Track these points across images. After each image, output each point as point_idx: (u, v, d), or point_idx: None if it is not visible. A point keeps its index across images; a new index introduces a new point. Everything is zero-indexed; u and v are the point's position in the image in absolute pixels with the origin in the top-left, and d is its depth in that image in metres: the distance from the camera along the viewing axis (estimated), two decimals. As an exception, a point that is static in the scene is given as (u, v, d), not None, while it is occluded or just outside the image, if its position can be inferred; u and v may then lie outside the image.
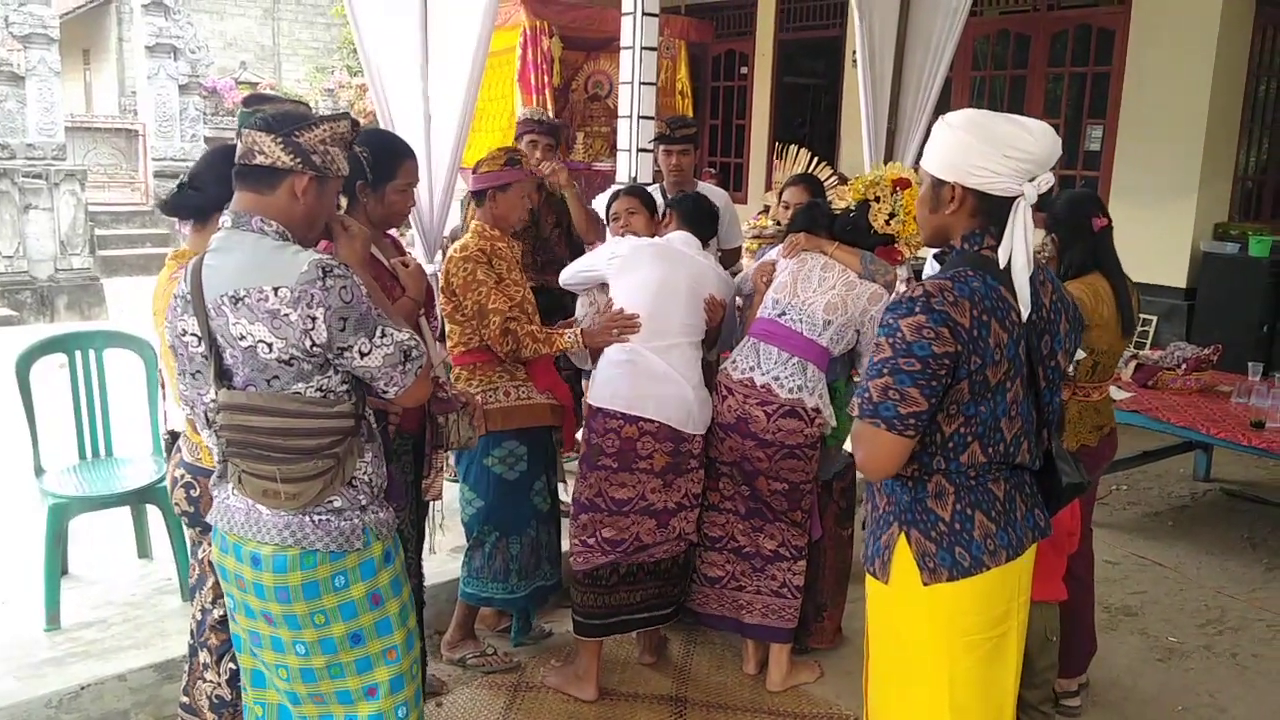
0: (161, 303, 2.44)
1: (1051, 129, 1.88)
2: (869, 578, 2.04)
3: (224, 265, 1.89)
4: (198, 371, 1.95)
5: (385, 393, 1.94)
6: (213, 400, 1.92)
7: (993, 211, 1.88)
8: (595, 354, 3.32)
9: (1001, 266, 1.86)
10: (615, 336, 3.24)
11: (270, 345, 1.84)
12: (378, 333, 1.90)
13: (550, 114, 8.64)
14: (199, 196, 2.41)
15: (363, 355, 1.88)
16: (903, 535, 1.93)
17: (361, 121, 2.26)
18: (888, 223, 3.48)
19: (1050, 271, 2.02)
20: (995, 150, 1.83)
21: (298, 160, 1.91)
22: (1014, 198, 1.86)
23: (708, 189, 4.50)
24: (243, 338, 1.85)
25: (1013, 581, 1.95)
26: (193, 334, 1.92)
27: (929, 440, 1.89)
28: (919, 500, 1.93)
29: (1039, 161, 1.85)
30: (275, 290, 1.82)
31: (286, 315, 1.82)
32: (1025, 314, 1.85)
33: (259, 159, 1.90)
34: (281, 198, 1.93)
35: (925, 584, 1.90)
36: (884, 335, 1.84)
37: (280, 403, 1.87)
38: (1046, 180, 1.87)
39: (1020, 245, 1.83)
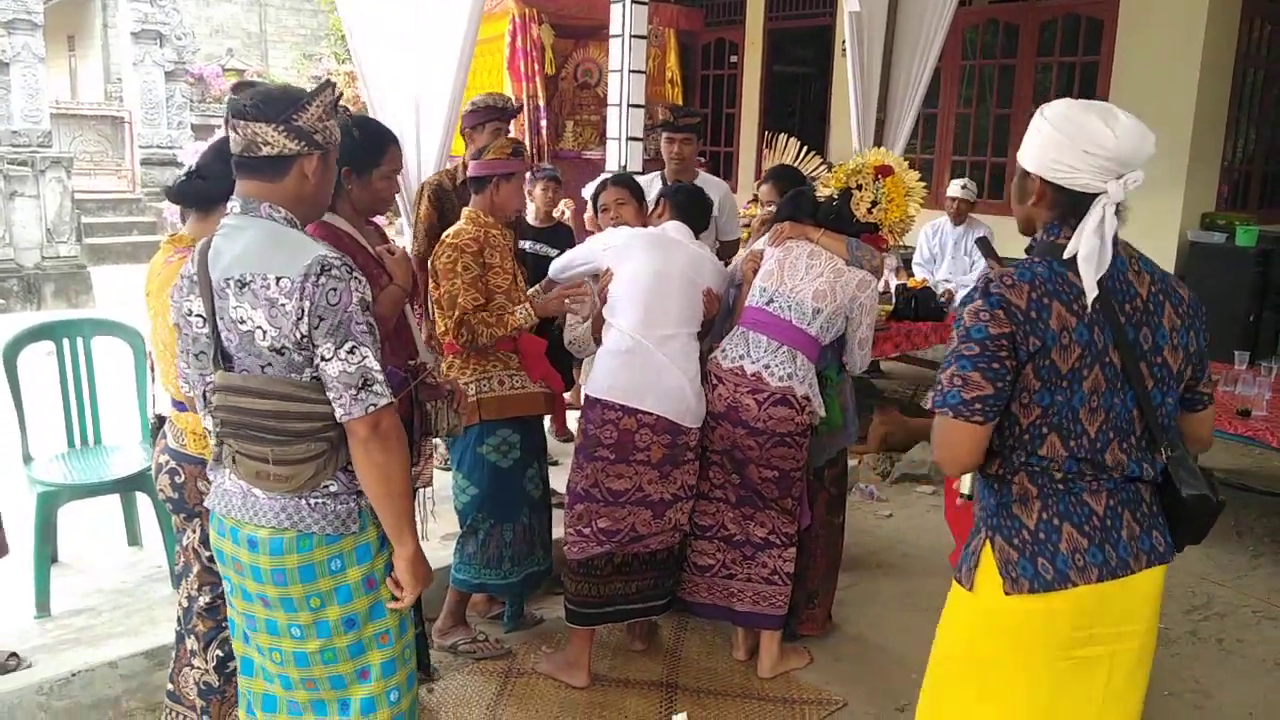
0: (155, 284, 2.43)
1: (1142, 127, 1.79)
2: (954, 585, 1.98)
3: (231, 249, 1.89)
4: (201, 352, 1.96)
5: (335, 411, 1.87)
6: (211, 381, 1.92)
7: (1072, 206, 1.83)
8: (595, 342, 3.31)
9: (1067, 255, 1.80)
10: (566, 306, 3.29)
11: (265, 332, 1.85)
12: (347, 346, 1.84)
13: (541, 100, 8.65)
14: (205, 185, 2.42)
15: (324, 360, 1.84)
16: (988, 542, 1.89)
17: (352, 109, 2.26)
18: (870, 210, 3.49)
19: (1154, 265, 1.92)
20: (1074, 146, 1.79)
21: (303, 144, 1.92)
22: (1096, 194, 1.80)
23: (706, 179, 4.49)
24: (242, 322, 1.86)
25: (1115, 605, 1.85)
26: (198, 314, 1.93)
27: (1008, 433, 1.85)
28: (1004, 505, 1.88)
29: (1122, 161, 1.78)
30: (278, 280, 1.83)
31: (283, 305, 1.82)
32: (1090, 298, 1.77)
33: (265, 150, 1.90)
34: (291, 183, 1.94)
35: (1007, 593, 1.84)
36: (955, 328, 1.85)
37: (274, 386, 1.87)
38: (1135, 179, 1.79)
39: (1090, 240, 1.76)
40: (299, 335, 1.83)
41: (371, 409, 1.86)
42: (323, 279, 1.83)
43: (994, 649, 1.90)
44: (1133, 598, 1.87)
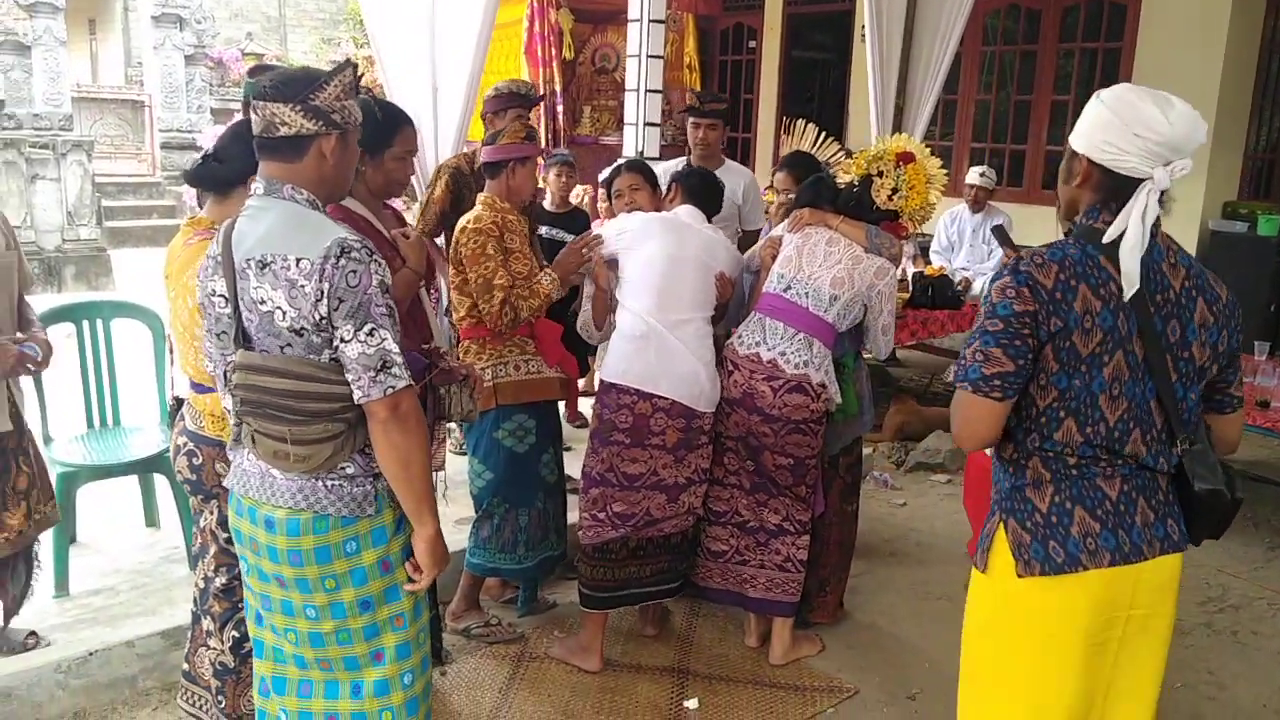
0: (174, 266, 2.45)
1: (1196, 115, 1.78)
2: (973, 569, 1.99)
3: (254, 230, 1.91)
4: (223, 332, 1.98)
5: (354, 393, 1.88)
6: (232, 360, 1.94)
7: (1116, 189, 1.82)
8: (595, 326, 3.31)
9: (1105, 241, 1.79)
10: (585, 256, 3.29)
11: (285, 313, 1.86)
12: (366, 328, 1.85)
13: (558, 85, 8.63)
14: (222, 169, 2.43)
15: (344, 342, 1.85)
16: (1002, 524, 1.90)
17: (373, 91, 2.26)
18: (891, 198, 3.47)
19: (1191, 259, 1.90)
20: (1125, 128, 1.78)
21: (320, 124, 1.93)
22: (1142, 179, 1.79)
23: (733, 167, 4.47)
24: (262, 302, 1.87)
25: (1125, 591, 1.86)
26: (221, 295, 1.95)
27: (1024, 415, 1.85)
28: (1018, 488, 1.89)
29: (1173, 146, 1.77)
30: (298, 261, 1.84)
31: (303, 286, 1.84)
32: (1129, 290, 1.77)
33: (283, 130, 1.91)
34: (310, 163, 1.95)
35: (1019, 575, 1.85)
36: (983, 303, 1.85)
37: (293, 365, 1.88)
38: (1182, 167, 1.78)
39: (1135, 226, 1.75)
40: (318, 317, 1.85)
41: (390, 391, 1.87)
42: (342, 261, 1.84)
43: (1010, 630, 1.91)
44: (1148, 585, 1.87)
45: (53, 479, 3.47)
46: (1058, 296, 1.77)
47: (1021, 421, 1.86)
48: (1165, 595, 1.92)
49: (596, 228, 3.53)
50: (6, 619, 3.09)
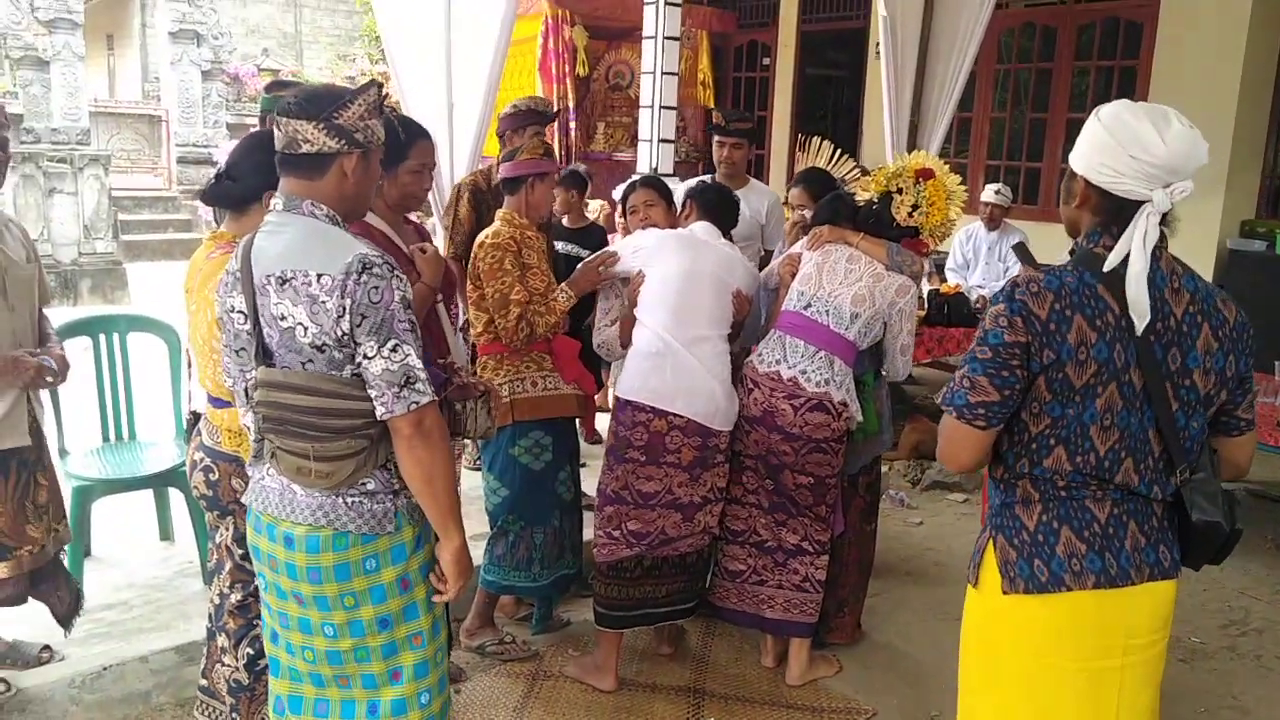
0: (196, 280, 2.45)
1: (1195, 135, 1.74)
2: (968, 583, 1.99)
3: (274, 246, 1.90)
4: (242, 348, 1.97)
5: (377, 409, 1.88)
6: (253, 377, 1.93)
7: (1115, 212, 1.78)
8: (624, 345, 3.30)
9: (1106, 269, 1.75)
10: (603, 273, 3.29)
11: (306, 329, 1.85)
12: (389, 344, 1.85)
13: (571, 101, 8.65)
14: (236, 187, 2.43)
15: (367, 358, 1.85)
16: (991, 540, 1.89)
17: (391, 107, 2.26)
18: (911, 214, 3.44)
19: (1198, 281, 1.83)
20: (1121, 149, 1.74)
21: (342, 143, 1.93)
22: (1142, 202, 1.75)
23: (757, 186, 4.46)
24: (283, 318, 1.87)
25: (1115, 616, 1.83)
26: (240, 311, 1.94)
27: (1016, 439, 1.84)
28: (1008, 505, 1.88)
29: (1170, 169, 1.73)
30: (319, 277, 1.84)
31: (324, 303, 1.83)
32: (1141, 324, 1.73)
33: (305, 147, 1.91)
34: (331, 180, 1.95)
35: (1004, 592, 1.85)
36: (979, 327, 1.83)
37: (316, 382, 1.88)
38: (1183, 189, 1.74)
39: (1138, 253, 1.72)
40: (340, 333, 1.84)
41: (414, 406, 1.87)
42: (364, 277, 1.83)
43: (995, 645, 1.92)
44: (1139, 610, 1.85)
45: (67, 493, 3.48)
46: (1051, 328, 1.74)
47: (1013, 445, 1.85)
48: (1161, 621, 1.89)
49: (614, 243, 3.52)
50: (65, 626, 3.08)
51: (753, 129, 4.44)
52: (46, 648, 3.08)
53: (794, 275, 3.32)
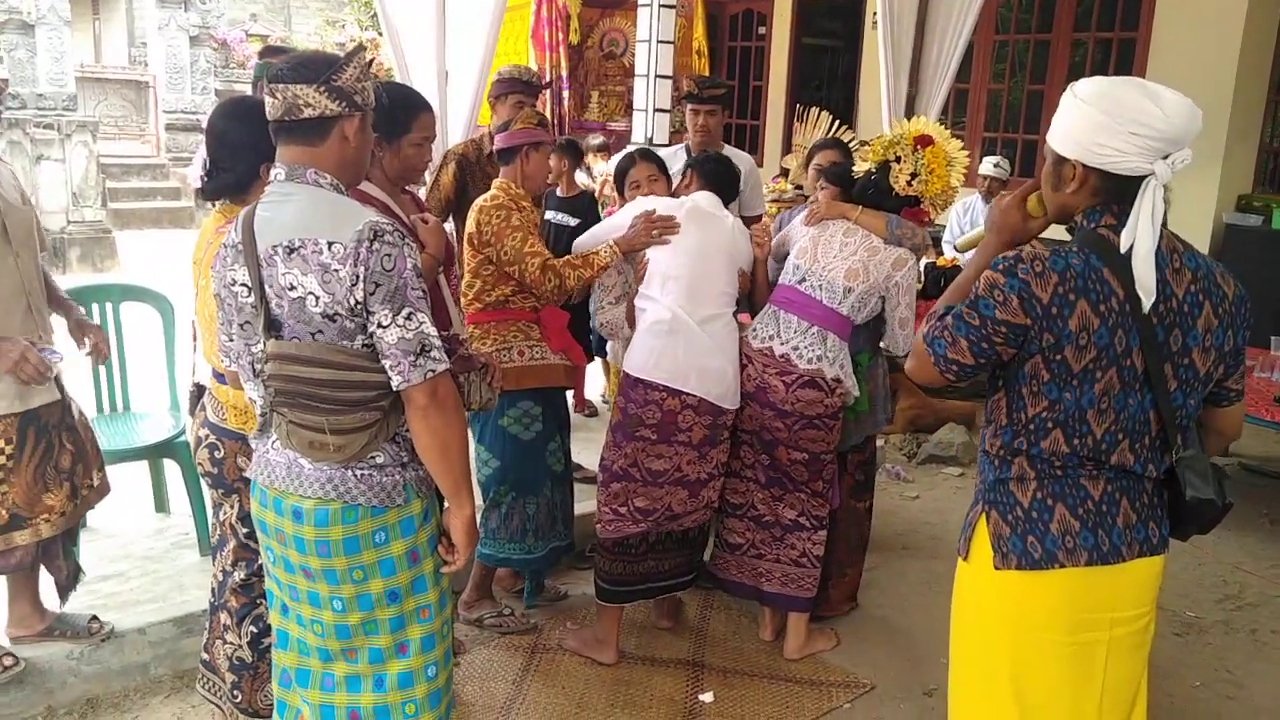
0: (204, 252, 2.41)
1: (1190, 104, 1.71)
2: (958, 555, 1.99)
3: (279, 216, 1.87)
4: (246, 322, 1.94)
5: (392, 379, 1.86)
6: (261, 350, 1.90)
7: (1116, 190, 1.75)
8: (629, 325, 3.26)
9: (1123, 250, 1.71)
10: (656, 238, 3.17)
11: (318, 298, 1.83)
12: (404, 312, 1.83)
13: (565, 69, 8.56)
14: (230, 175, 2.39)
15: (381, 327, 1.83)
16: (984, 515, 1.89)
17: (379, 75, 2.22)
18: (910, 183, 3.36)
19: (1199, 258, 1.81)
20: (1121, 128, 1.69)
21: (344, 105, 1.90)
22: (1143, 176, 1.72)
23: (733, 152, 4.42)
24: (293, 288, 1.84)
25: (1104, 591, 1.83)
26: (243, 284, 1.91)
27: (1015, 418, 1.84)
28: (1002, 481, 1.88)
29: (1171, 139, 1.69)
30: (330, 245, 1.81)
31: (336, 271, 1.80)
32: (1148, 302, 1.70)
33: (307, 112, 1.88)
34: (332, 145, 1.92)
35: (996, 568, 1.85)
36: (976, 284, 1.81)
37: (328, 354, 1.85)
38: (1183, 158, 1.71)
39: (1146, 231, 1.69)
40: (353, 301, 1.82)
41: (430, 375, 1.85)
42: (376, 245, 1.81)
43: (985, 618, 1.92)
44: (1127, 585, 1.86)
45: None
46: (1053, 311, 1.72)
47: (1011, 424, 1.84)
48: (1148, 595, 1.90)
49: (628, 209, 3.38)
50: (63, 597, 3.04)
51: (726, 94, 4.38)
52: (94, 618, 3.04)
53: (764, 250, 3.33)
